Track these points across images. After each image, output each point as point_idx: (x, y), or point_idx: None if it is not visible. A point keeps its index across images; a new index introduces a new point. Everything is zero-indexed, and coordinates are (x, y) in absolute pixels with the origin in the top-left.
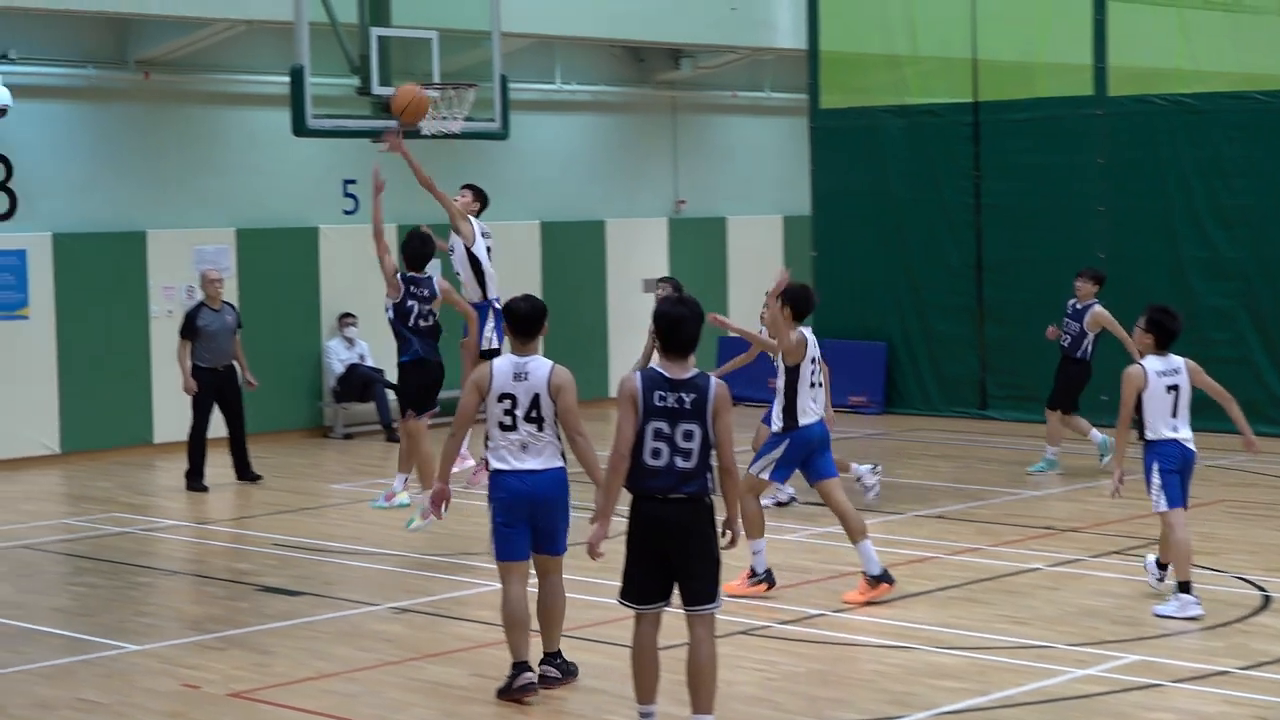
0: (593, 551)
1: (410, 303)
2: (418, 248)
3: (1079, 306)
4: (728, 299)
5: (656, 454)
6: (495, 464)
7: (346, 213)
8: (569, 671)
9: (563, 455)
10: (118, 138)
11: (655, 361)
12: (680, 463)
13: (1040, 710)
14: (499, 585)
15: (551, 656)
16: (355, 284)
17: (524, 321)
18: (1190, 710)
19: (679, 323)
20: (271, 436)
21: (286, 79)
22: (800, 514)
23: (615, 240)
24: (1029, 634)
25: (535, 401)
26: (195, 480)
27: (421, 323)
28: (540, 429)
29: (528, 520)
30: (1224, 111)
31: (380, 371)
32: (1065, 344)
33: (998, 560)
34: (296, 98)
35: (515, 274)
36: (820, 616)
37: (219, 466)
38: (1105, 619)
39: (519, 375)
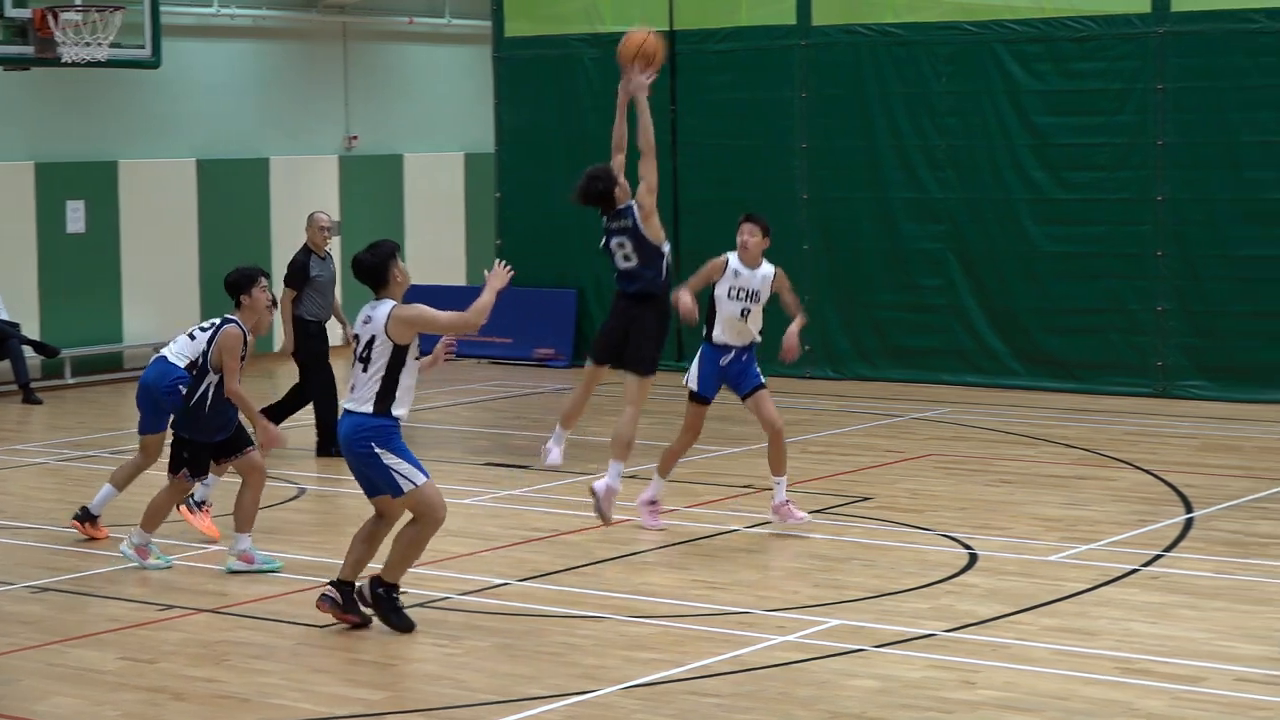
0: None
1: None
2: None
3: None
4: (404, 243)
5: None
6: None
7: None
8: (355, 610)
9: (374, 403)
10: None
11: None
12: None
13: (737, 680)
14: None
15: (374, 583)
16: None
17: (367, 274)
18: (893, 675)
19: None
20: None
21: None
22: (486, 477)
23: (280, 180)
24: (727, 600)
25: (370, 343)
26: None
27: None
28: (365, 369)
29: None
30: (933, 43)
31: (15, 325)
32: None
33: (695, 522)
34: None
35: (168, 217)
36: (505, 586)
37: None
38: (807, 582)
39: (366, 320)
